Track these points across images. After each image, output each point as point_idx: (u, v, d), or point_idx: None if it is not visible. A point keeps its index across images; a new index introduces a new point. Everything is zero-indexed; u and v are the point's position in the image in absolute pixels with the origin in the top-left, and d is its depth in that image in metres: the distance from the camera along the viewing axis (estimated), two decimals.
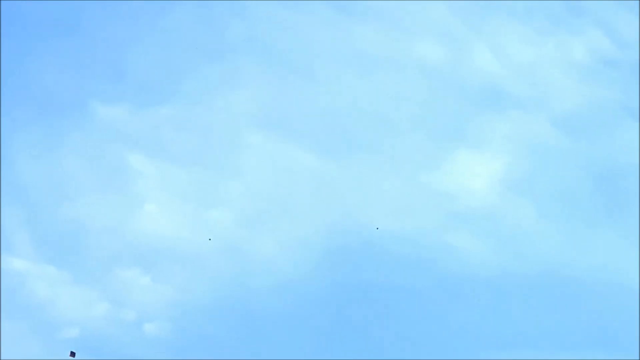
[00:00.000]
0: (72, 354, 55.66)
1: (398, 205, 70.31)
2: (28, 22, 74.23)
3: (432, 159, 72.25)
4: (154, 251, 67.52)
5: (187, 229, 68.82)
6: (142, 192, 70.06)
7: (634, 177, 68.69)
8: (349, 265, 67.42)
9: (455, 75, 75.59)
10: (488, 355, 62.74)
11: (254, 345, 63.53)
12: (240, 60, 75.41)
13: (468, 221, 69.44)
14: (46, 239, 67.05)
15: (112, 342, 63.33)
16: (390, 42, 76.40)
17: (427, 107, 74.16)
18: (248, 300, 65.80)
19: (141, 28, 75.94)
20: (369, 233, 68.31)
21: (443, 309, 65.10)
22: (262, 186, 71.06)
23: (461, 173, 71.30)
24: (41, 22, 74.39)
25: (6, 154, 68.51)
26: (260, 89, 73.80)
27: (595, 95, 73.04)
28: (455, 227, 69.23)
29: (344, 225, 69.00)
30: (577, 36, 76.11)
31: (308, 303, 65.46)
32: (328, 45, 76.21)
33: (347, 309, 65.54)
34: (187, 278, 66.66)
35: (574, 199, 69.95)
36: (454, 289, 66.06)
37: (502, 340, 63.65)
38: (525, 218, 69.24)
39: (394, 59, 76.07)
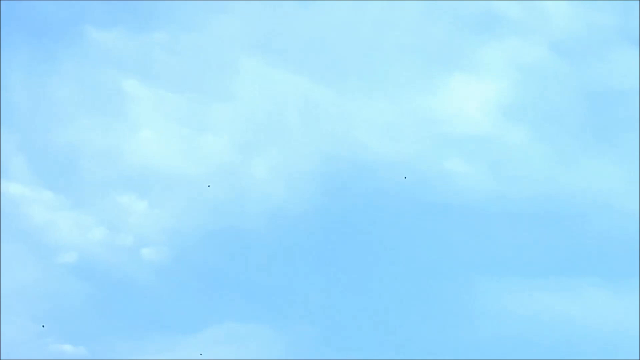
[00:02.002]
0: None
1: (391, 130, 70.32)
2: None
3: (426, 84, 72.10)
4: (150, 176, 67.72)
5: (183, 154, 68.93)
6: (137, 117, 70.02)
7: (631, 102, 68.68)
8: (343, 191, 67.66)
9: None
10: (482, 280, 63.39)
11: (249, 269, 64.04)
12: None
13: (462, 146, 69.53)
14: (42, 164, 67.19)
15: (110, 267, 63.81)
16: None
17: (421, 32, 73.79)
18: (243, 225, 66.11)
19: None
20: (362, 158, 68.49)
21: (436, 234, 65.49)
22: (256, 111, 71.03)
23: (455, 98, 71.18)
24: None
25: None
26: (255, 14, 73.32)
27: (593, 19, 72.61)
28: (449, 153, 69.33)
29: (337, 151, 69.10)
30: None
31: (303, 228, 65.84)
32: None
33: (340, 234, 65.90)
34: (183, 203, 66.92)
35: (570, 124, 69.97)
36: (448, 214, 66.39)
37: (496, 266, 64.17)
38: (520, 143, 69.32)
39: None
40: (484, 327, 61.02)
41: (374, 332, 60.99)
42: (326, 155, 68.84)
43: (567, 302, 62.48)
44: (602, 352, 59.33)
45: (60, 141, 68.03)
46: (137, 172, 67.69)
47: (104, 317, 61.41)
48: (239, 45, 73.11)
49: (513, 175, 68.27)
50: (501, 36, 73.06)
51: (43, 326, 58.89)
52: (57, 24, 71.85)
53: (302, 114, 70.90)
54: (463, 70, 72.28)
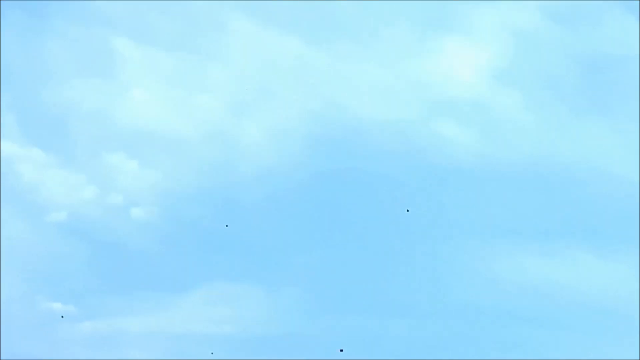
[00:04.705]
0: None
1: (384, 94, 70.24)
2: None
3: (419, 48, 71.92)
4: (141, 136, 67.64)
5: (174, 114, 68.79)
6: (128, 77, 69.80)
7: (627, 68, 68.61)
8: (334, 153, 67.67)
9: None
10: (472, 243, 63.56)
11: (240, 229, 64.10)
12: None
13: (454, 110, 69.52)
14: (32, 122, 67.02)
15: (100, 226, 63.81)
16: None
17: None
18: (233, 186, 66.17)
19: None
20: (353, 120, 68.45)
21: (426, 197, 65.52)
22: (248, 72, 70.81)
23: (448, 62, 71.04)
24: None
25: None
26: None
27: None
28: (441, 116, 69.32)
29: (329, 113, 69.08)
30: None
31: (292, 190, 65.86)
32: None
33: (330, 195, 65.96)
34: (174, 164, 66.88)
35: (563, 90, 69.97)
36: (438, 177, 66.42)
37: (485, 229, 64.34)
38: (513, 107, 69.32)
39: None
40: (473, 289, 61.24)
41: (363, 293, 61.17)
42: (317, 117, 68.84)
43: (556, 266, 62.71)
44: (592, 317, 59.64)
45: (51, 100, 67.88)
46: (128, 131, 67.66)
47: (94, 275, 61.55)
48: (231, 6, 72.82)
49: (505, 139, 68.36)
50: (495, 0, 72.98)
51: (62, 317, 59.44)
52: None
53: (294, 75, 70.80)
54: (456, 34, 72.15)
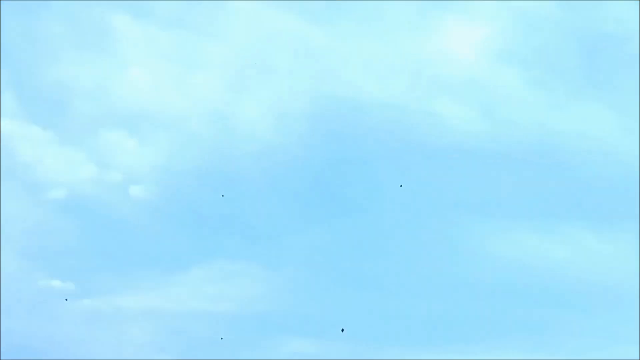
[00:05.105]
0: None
1: (383, 72, 70.18)
2: None
3: (419, 26, 71.73)
4: (140, 114, 67.53)
5: (173, 92, 68.70)
6: (127, 54, 69.66)
7: (628, 47, 68.54)
8: (332, 131, 67.64)
9: None
10: (470, 221, 63.66)
11: (239, 208, 64.12)
12: None
13: (454, 88, 69.48)
14: (31, 100, 66.90)
15: (99, 204, 63.80)
16: None
17: None
18: (232, 164, 66.14)
19: None
20: (352, 99, 68.37)
21: (426, 175, 65.53)
22: (247, 50, 70.64)
23: (448, 40, 70.86)
24: None
25: None
26: None
27: None
28: (440, 94, 69.30)
29: (328, 91, 69.00)
30: None
31: (292, 167, 65.88)
32: None
33: (329, 174, 66.00)
34: (173, 142, 66.83)
35: (562, 68, 69.85)
36: (438, 156, 66.41)
37: (484, 207, 64.45)
38: (512, 86, 69.24)
39: None
40: (470, 267, 61.41)
41: (360, 270, 61.36)
42: (316, 95, 68.77)
43: (555, 244, 62.87)
44: (591, 295, 59.77)
45: (49, 77, 67.77)
46: (127, 109, 67.55)
47: (93, 253, 61.60)
48: None
49: (504, 118, 68.35)
50: None
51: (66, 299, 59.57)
52: None
53: (293, 53, 70.67)
54: (456, 12, 71.89)
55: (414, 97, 68.77)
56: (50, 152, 64.77)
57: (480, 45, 70.21)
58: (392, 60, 70.51)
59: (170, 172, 65.53)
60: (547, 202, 63.96)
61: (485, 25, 71.04)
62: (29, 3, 69.42)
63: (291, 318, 59.31)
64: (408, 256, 61.98)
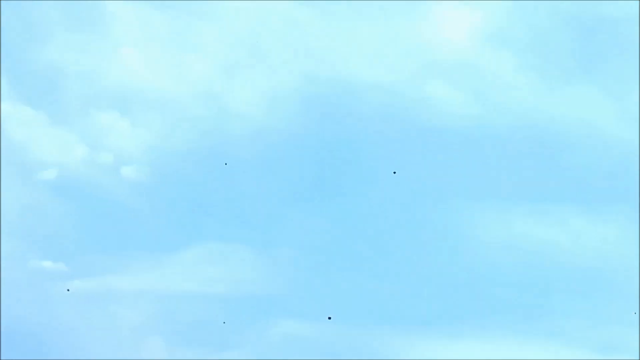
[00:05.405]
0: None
1: (376, 54, 70.00)
2: None
3: (412, 9, 71.50)
4: (132, 95, 67.32)
5: (165, 74, 68.45)
6: (119, 35, 69.32)
7: (623, 30, 68.40)
8: (325, 113, 67.53)
9: None
10: (463, 204, 63.56)
11: (231, 189, 63.98)
12: None
13: (447, 72, 69.27)
14: (22, 80, 66.65)
15: (90, 185, 63.63)
16: None
17: None
18: (225, 146, 65.99)
19: None
20: (345, 81, 68.24)
21: (419, 158, 65.48)
22: (240, 32, 70.45)
23: (440, 23, 70.70)
24: None
25: None
26: None
27: None
28: (433, 78, 69.08)
29: (320, 74, 68.83)
30: None
31: (284, 150, 65.75)
32: None
33: (321, 156, 65.88)
34: (165, 123, 66.64)
35: (556, 51, 69.71)
36: (431, 139, 66.34)
37: (477, 190, 64.30)
38: (506, 70, 69.15)
39: None
40: (462, 251, 61.43)
41: (354, 253, 61.30)
42: (309, 77, 68.61)
43: (549, 229, 62.82)
44: (586, 280, 59.82)
45: (41, 58, 67.47)
46: (119, 90, 67.31)
47: (84, 234, 61.45)
48: None
49: (497, 101, 68.23)
50: None
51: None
52: None
53: (286, 35, 70.48)
54: None
55: (407, 79, 68.68)
56: (41, 133, 64.59)
57: (474, 28, 70.11)
58: (385, 43, 70.40)
59: (163, 154, 65.44)
60: (541, 186, 63.95)
61: (479, 8, 70.91)
62: None
63: (283, 300, 59.30)
64: (400, 238, 62.01)
